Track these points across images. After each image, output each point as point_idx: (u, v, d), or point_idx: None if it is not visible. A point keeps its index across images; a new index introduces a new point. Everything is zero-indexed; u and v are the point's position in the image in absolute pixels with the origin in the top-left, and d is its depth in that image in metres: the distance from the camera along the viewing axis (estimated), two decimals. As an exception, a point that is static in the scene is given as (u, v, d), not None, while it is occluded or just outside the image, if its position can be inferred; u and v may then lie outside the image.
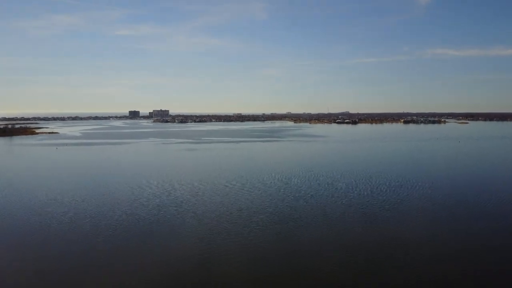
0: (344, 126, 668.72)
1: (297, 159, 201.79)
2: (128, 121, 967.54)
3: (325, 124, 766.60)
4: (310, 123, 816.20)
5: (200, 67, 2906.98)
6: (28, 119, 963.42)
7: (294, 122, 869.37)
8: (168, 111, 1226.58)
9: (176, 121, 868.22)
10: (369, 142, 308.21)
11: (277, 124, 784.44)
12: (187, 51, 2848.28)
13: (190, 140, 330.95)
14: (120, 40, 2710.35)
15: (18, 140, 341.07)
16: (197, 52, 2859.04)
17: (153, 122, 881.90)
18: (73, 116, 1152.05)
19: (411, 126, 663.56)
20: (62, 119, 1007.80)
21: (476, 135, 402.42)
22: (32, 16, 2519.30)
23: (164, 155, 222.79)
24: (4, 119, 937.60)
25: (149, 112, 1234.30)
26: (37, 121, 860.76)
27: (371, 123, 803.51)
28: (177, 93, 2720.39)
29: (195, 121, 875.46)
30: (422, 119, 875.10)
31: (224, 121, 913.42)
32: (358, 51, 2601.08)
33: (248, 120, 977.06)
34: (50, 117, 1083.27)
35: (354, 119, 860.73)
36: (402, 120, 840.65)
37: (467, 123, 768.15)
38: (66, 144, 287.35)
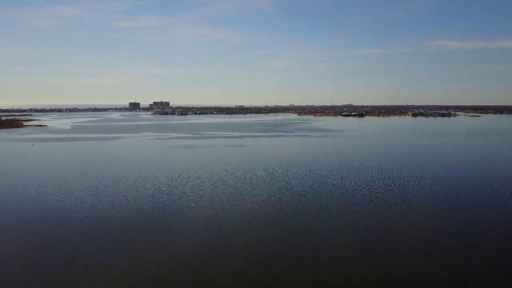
0: (351, 119, 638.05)
1: (310, 158, 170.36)
2: (127, 113, 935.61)
3: (331, 116, 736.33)
4: (315, 115, 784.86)
5: (203, 58, 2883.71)
6: (24, 110, 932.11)
7: (298, 115, 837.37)
8: (168, 103, 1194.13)
9: (176, 113, 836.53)
10: (387, 137, 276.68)
11: (281, 116, 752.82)
12: (190, 42, 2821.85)
13: (188, 135, 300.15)
14: (123, 32, 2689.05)
15: (1, 133, 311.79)
16: (200, 43, 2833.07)
17: (153, 114, 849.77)
18: (71, 107, 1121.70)
19: (421, 119, 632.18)
20: (59, 110, 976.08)
21: (499, 130, 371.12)
22: (36, 6, 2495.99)
23: (155, 154, 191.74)
24: (0, 110, 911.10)
25: (150, 104, 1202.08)
26: (32, 113, 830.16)
27: (378, 115, 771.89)
28: (179, 84, 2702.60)
29: (196, 113, 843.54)
30: (431, 112, 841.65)
31: (226, 113, 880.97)
32: (362, 43, 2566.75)
33: (251, 112, 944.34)
34: (47, 108, 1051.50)
35: (360, 111, 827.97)
36: (410, 113, 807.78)
37: (479, 116, 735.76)
38: (47, 140, 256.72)
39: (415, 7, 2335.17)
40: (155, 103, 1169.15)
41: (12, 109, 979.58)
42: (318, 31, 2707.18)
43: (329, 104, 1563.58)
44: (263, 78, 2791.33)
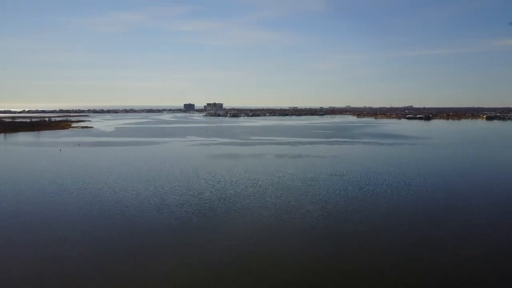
0: (417, 122, 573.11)
1: (391, 174, 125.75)
2: (180, 114, 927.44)
3: (393, 119, 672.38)
4: (375, 118, 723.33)
5: (257, 60, 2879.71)
6: (83, 111, 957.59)
7: (357, 117, 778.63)
8: (222, 104, 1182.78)
9: (228, 115, 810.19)
10: (490, 149, 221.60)
11: (338, 119, 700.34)
12: (244, 44, 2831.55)
13: (236, 140, 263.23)
14: (182, 36, 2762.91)
15: (41, 135, 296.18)
16: (254, 46, 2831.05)
17: (205, 116, 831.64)
18: (128, 108, 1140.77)
19: (498, 123, 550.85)
20: (116, 111, 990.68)
21: None
22: (100, 13, 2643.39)
23: (188, 164, 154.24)
24: (61, 111, 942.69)
25: (204, 106, 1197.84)
26: (90, 114, 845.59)
27: (447, 118, 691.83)
28: (233, 86, 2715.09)
29: (247, 115, 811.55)
30: (509, 114, 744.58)
31: (279, 115, 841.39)
32: (419, 43, 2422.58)
33: (305, 114, 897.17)
34: (105, 109, 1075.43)
35: (426, 114, 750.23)
36: (483, 116, 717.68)
37: None
38: (79, 144, 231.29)
39: (478, 4, 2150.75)
40: (208, 104, 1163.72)
41: (72, 109, 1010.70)
42: (374, 32, 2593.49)
43: (388, 105, 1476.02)
44: (317, 79, 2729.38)
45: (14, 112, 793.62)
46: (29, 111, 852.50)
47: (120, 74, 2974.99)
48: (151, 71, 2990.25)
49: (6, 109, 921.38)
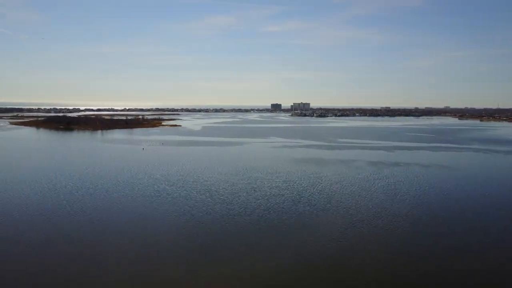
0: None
1: None
2: (266, 114, 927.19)
3: (504, 122, 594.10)
4: (481, 120, 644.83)
5: (346, 59, 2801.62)
6: (176, 110, 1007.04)
7: (459, 119, 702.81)
8: (309, 104, 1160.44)
9: (314, 115, 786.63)
10: None
11: (436, 120, 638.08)
12: (334, 44, 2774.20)
13: (321, 143, 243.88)
14: (270, 37, 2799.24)
15: (133, 132, 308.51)
16: (343, 45, 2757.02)
17: (291, 115, 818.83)
18: (218, 108, 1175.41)
19: None
20: (206, 111, 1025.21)
21: None
22: (192, 18, 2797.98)
23: (268, 169, 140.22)
24: (157, 109, 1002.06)
25: (291, 105, 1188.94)
26: (183, 112, 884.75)
27: None
28: (321, 86, 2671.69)
29: (335, 115, 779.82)
30: None
31: (369, 115, 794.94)
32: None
33: (399, 114, 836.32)
34: (197, 108, 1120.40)
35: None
36: None
37: None
38: (163, 143, 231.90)
39: None
40: (295, 104, 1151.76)
41: (167, 108, 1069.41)
42: (477, 26, 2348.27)
43: (494, 106, 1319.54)
44: (411, 78, 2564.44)
45: (116, 110, 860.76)
46: (128, 109, 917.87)
47: (213, 75, 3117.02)
48: (241, 71, 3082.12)
49: (110, 107, 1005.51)
